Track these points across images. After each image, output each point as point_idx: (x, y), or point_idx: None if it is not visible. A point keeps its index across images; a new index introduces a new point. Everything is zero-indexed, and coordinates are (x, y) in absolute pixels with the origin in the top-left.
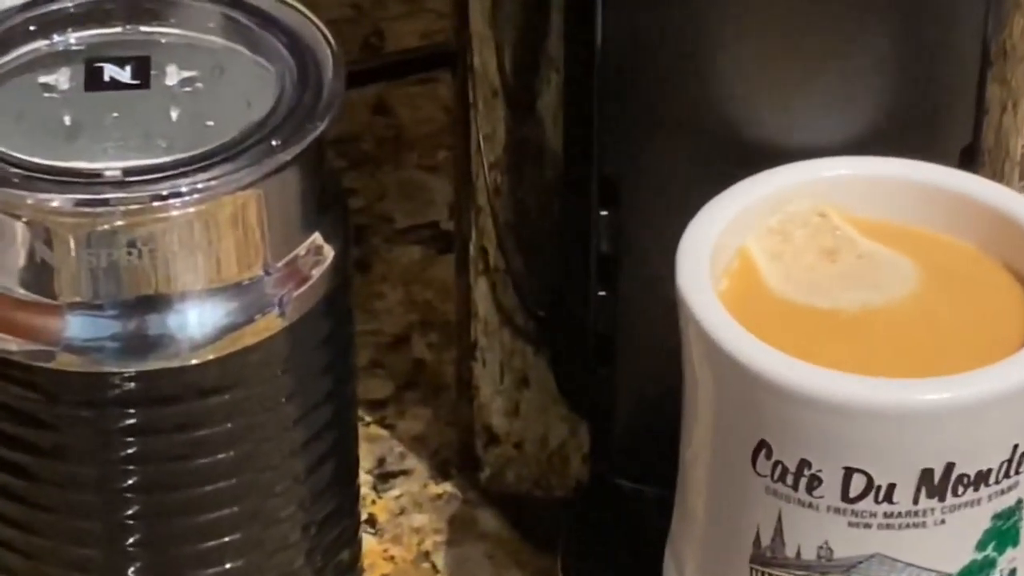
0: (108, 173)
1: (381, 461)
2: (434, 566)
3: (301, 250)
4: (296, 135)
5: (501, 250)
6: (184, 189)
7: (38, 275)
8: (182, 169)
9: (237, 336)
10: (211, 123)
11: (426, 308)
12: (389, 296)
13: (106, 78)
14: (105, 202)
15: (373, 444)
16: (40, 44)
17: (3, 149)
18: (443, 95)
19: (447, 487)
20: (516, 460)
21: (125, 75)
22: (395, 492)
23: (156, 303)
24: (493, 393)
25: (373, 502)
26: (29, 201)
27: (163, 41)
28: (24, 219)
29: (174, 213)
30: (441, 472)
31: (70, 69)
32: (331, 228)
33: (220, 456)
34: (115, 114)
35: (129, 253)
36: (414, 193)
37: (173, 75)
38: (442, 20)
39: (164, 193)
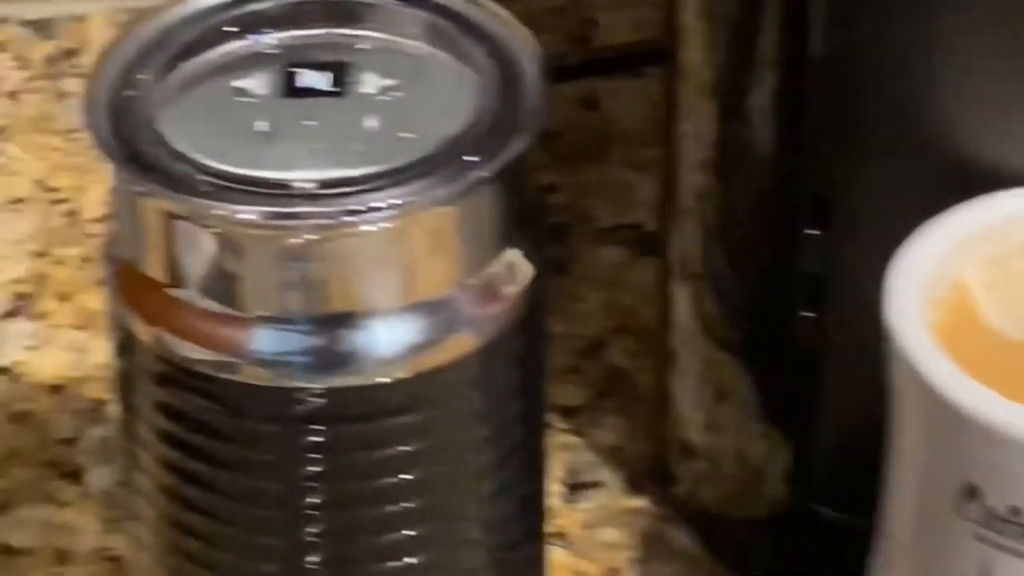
0: (300, 185)
1: (573, 471)
2: None
3: (497, 267)
4: (496, 151)
5: (705, 256)
6: (378, 205)
7: (225, 286)
8: (376, 183)
9: (428, 355)
10: (408, 135)
11: (625, 313)
12: (588, 299)
13: (302, 84)
14: (296, 215)
15: (566, 453)
16: (236, 45)
17: (194, 155)
18: (653, 90)
19: (640, 502)
20: (711, 477)
21: (322, 82)
22: (587, 505)
23: (346, 319)
24: (690, 406)
25: (564, 514)
26: (218, 212)
27: (362, 46)
28: (213, 229)
29: (367, 228)
30: (634, 486)
31: (266, 74)
32: (529, 245)
33: (406, 476)
34: (309, 122)
35: (319, 267)
36: (618, 192)
37: (371, 83)
38: (655, 11)
39: (357, 208)
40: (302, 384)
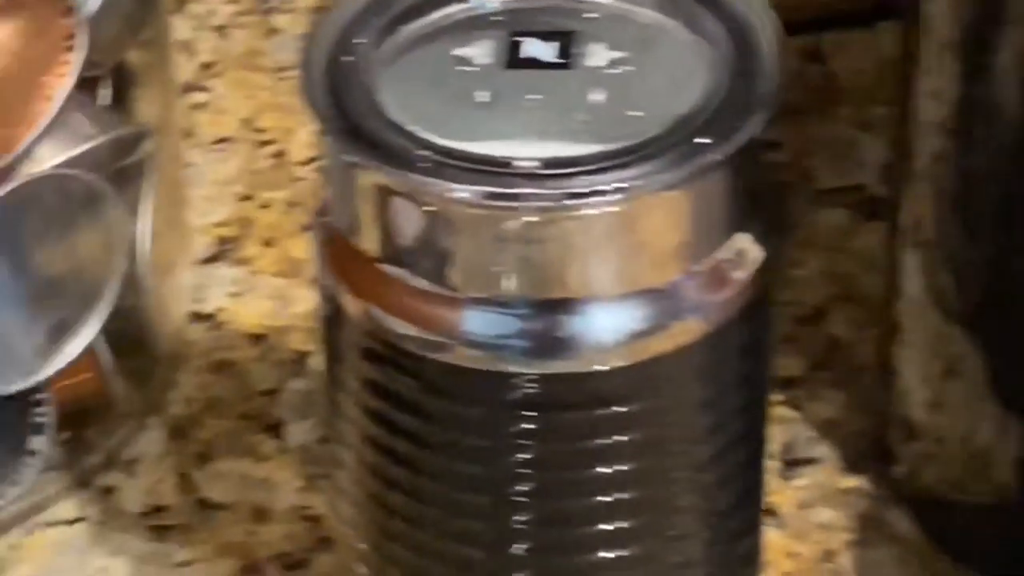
0: (522, 164)
1: (789, 447)
2: (838, 570)
3: (726, 253)
4: (730, 132)
5: (937, 223)
6: (603, 188)
7: (440, 265)
8: (602, 164)
9: (649, 343)
10: (636, 112)
11: (847, 280)
12: (808, 264)
13: (526, 54)
14: (518, 197)
15: (781, 426)
16: (458, 10)
17: (412, 128)
18: (884, 45)
19: (857, 481)
20: (935, 458)
21: (547, 52)
22: (802, 482)
23: (565, 304)
24: (915, 381)
25: (778, 491)
26: (434, 189)
27: (590, 14)
28: (430, 207)
29: (590, 212)
30: (852, 464)
31: (488, 42)
32: (760, 228)
33: (621, 467)
34: (533, 96)
35: (539, 250)
36: (843, 151)
37: (598, 54)
38: None
39: (581, 191)
40: (516, 369)
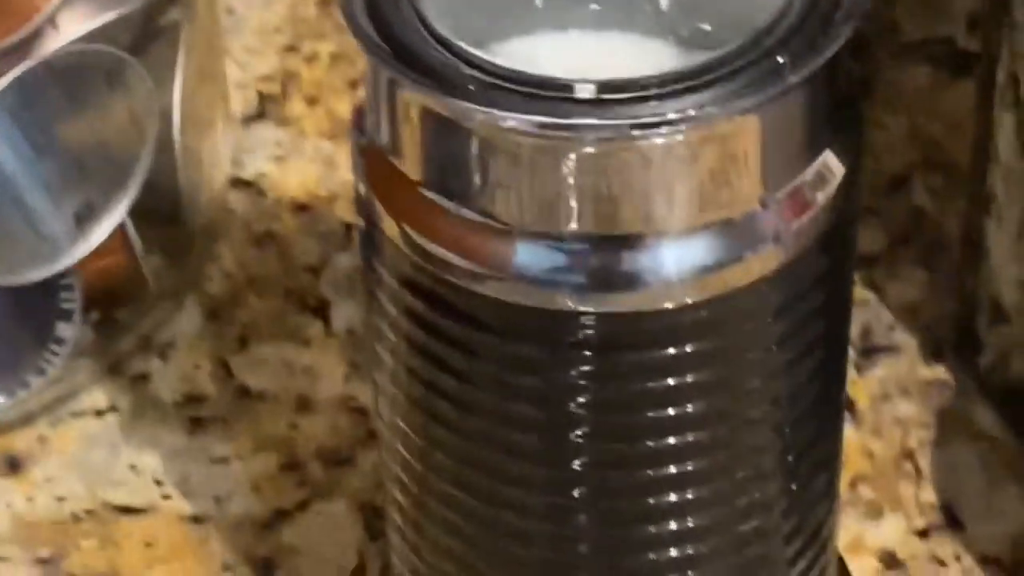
0: (581, 88)
1: (866, 332)
2: (917, 468)
3: (806, 176)
4: (811, 48)
5: None
6: (670, 117)
7: (490, 195)
8: (669, 88)
9: (721, 277)
10: (705, 25)
11: (932, 145)
12: (889, 127)
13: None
14: (575, 127)
15: (857, 310)
16: None
17: (460, 44)
18: None
19: (939, 372)
20: None
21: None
22: (879, 372)
23: (627, 239)
24: (1007, 259)
25: (854, 383)
26: (482, 117)
27: None
28: (479, 134)
29: (656, 142)
30: (933, 352)
31: None
32: (842, 142)
33: (689, 408)
34: (593, 5)
35: (599, 183)
36: (929, 0)
37: None
38: None
39: (645, 121)
40: (574, 307)
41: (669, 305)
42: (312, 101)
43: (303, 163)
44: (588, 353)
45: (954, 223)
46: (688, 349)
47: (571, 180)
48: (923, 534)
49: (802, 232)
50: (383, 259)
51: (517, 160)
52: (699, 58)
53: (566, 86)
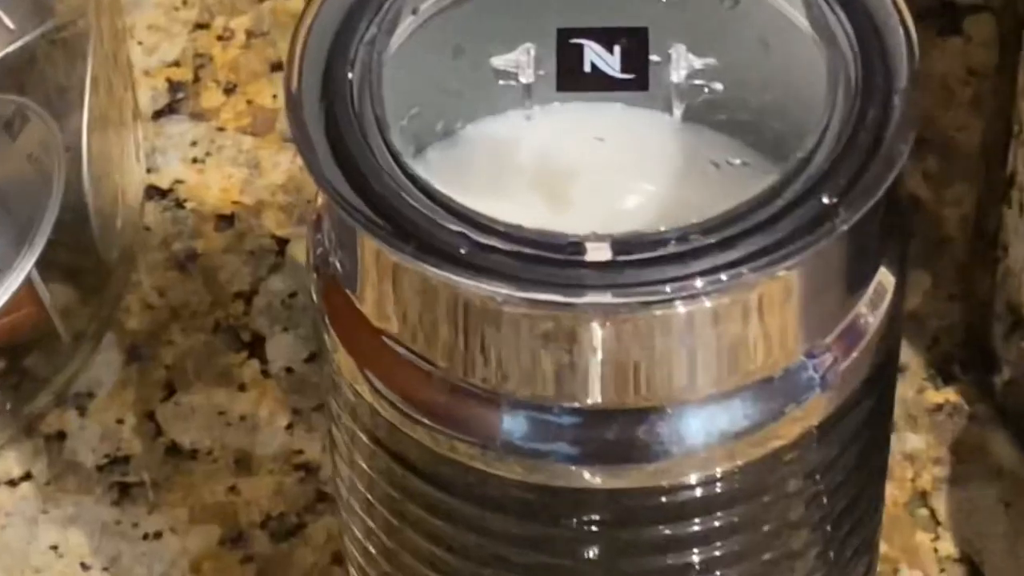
0: (591, 249)
1: None
2: (933, 515)
3: (858, 308)
4: (858, 187)
5: None
6: (698, 284)
7: (477, 360)
8: (695, 243)
9: (758, 439)
10: (736, 159)
11: (929, 120)
12: None
13: (586, 66)
14: (583, 302)
15: None
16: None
17: (440, 191)
18: None
19: (949, 394)
20: None
21: (612, 61)
22: None
23: (640, 412)
24: None
25: None
26: (476, 291)
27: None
28: (469, 303)
29: (680, 310)
30: (941, 371)
31: (532, 47)
32: (893, 250)
33: (717, 551)
34: (597, 136)
35: (610, 353)
36: None
37: (680, 63)
38: None
39: (667, 293)
40: (569, 484)
41: (694, 478)
42: (229, 89)
43: (223, 165)
44: (596, 530)
45: (956, 214)
46: (717, 523)
47: (578, 351)
48: None
49: (854, 366)
50: (339, 394)
51: (515, 330)
52: (730, 199)
53: (574, 246)
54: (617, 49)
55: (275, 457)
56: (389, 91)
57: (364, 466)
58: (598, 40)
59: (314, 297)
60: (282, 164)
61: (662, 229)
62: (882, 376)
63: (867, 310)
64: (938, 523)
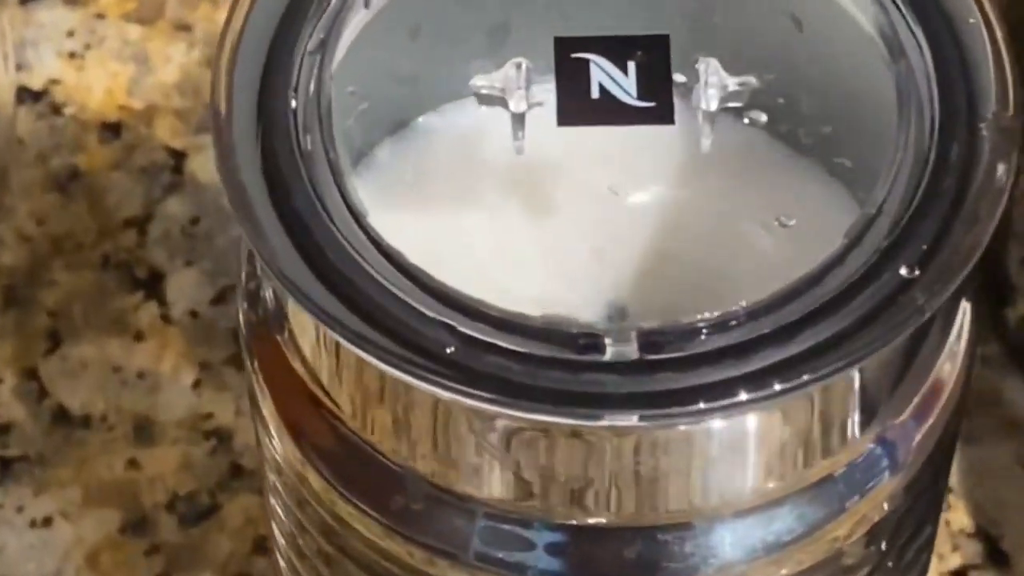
0: (612, 348)
1: None
2: None
3: (930, 381)
4: (944, 252)
5: None
6: (745, 397)
7: (457, 466)
8: (742, 337)
9: (808, 546)
10: (786, 218)
11: None
12: None
13: (594, 88)
14: (601, 415)
15: None
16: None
17: (417, 269)
18: None
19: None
20: None
21: (626, 84)
22: None
23: (662, 528)
24: None
25: None
26: (468, 404)
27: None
28: (456, 414)
29: (720, 423)
30: None
31: (524, 61)
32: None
33: None
34: (607, 184)
35: (620, 469)
36: None
37: (713, 83)
38: None
39: (709, 406)
40: None
41: None
42: None
43: (106, 61)
44: None
45: None
46: None
47: (589, 466)
48: None
49: (929, 433)
50: (275, 469)
51: (508, 442)
52: (781, 280)
53: (590, 340)
54: (632, 67)
55: (180, 423)
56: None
57: (308, 554)
58: (607, 53)
59: (242, 337)
60: (175, 58)
61: (701, 316)
62: (955, 426)
63: (946, 367)
64: (948, 490)
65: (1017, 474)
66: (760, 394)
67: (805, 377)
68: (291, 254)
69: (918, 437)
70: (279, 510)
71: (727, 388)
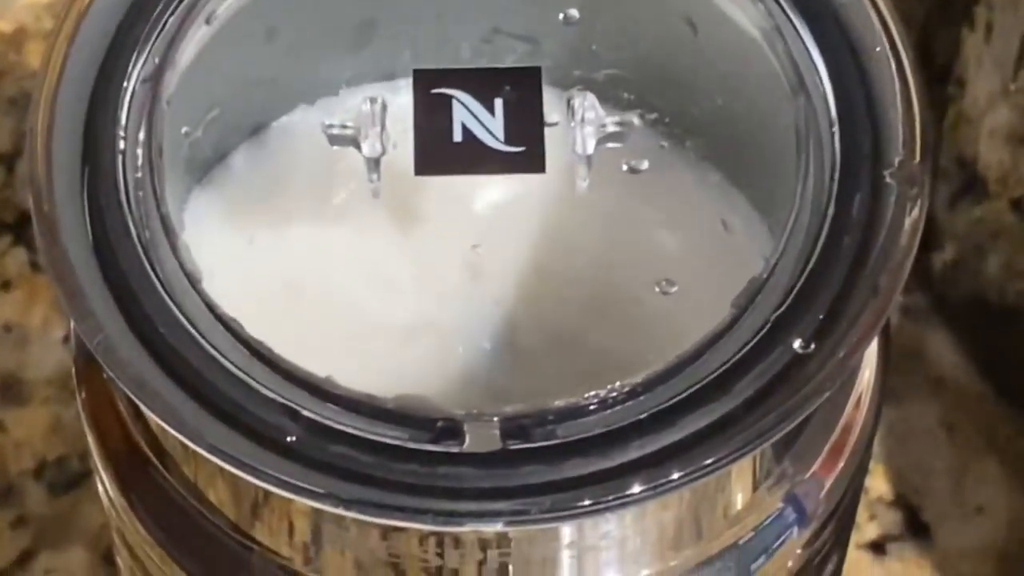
0: (471, 435)
1: None
2: None
3: (839, 429)
4: (841, 323)
5: None
6: (631, 493)
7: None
8: (620, 422)
9: None
10: (668, 284)
11: None
12: None
13: (456, 129)
14: (462, 519)
15: None
16: None
17: (258, 344)
18: None
19: None
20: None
21: (493, 126)
22: None
23: None
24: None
25: None
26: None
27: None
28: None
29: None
30: None
31: (379, 98)
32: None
33: None
34: (473, 242)
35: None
36: None
37: (591, 122)
38: None
39: (584, 505)
40: None
41: None
42: None
43: None
44: None
45: None
46: None
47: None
48: (878, 549)
49: (839, 479)
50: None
51: (362, 538)
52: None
53: (449, 429)
54: (499, 105)
55: (50, 381)
56: (180, 98)
57: None
58: (472, 88)
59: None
60: None
61: (570, 399)
62: (866, 462)
63: (854, 411)
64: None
65: (941, 438)
66: (621, 496)
67: (675, 475)
68: (118, 325)
69: (827, 486)
70: (120, 556)
71: (606, 483)
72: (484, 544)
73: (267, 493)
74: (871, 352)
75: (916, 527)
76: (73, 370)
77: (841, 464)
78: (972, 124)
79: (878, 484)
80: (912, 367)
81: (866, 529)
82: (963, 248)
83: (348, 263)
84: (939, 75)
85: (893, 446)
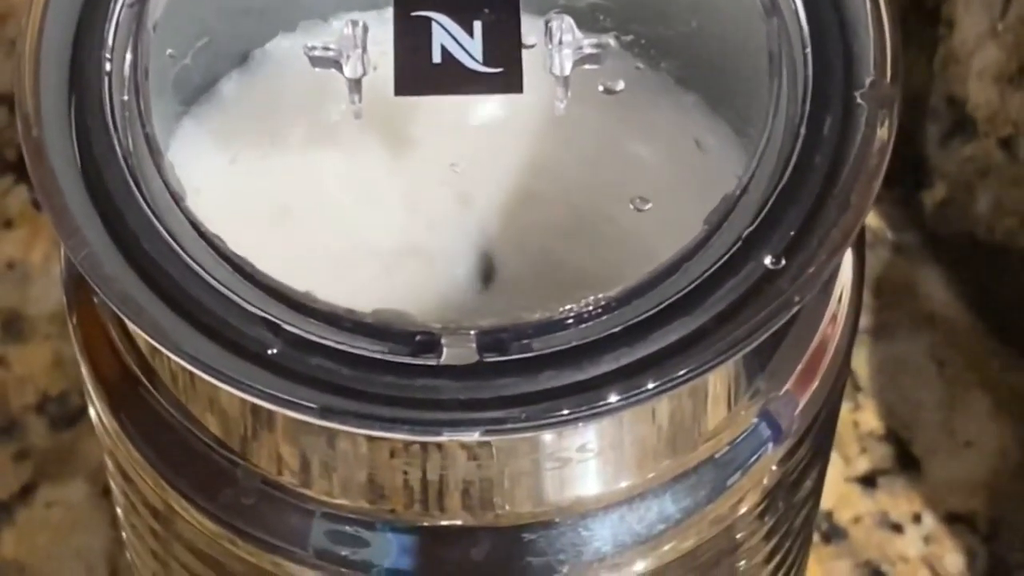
0: (448, 349)
1: None
2: (852, 377)
3: (814, 345)
4: (812, 240)
5: None
6: (606, 403)
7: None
8: (594, 335)
9: (684, 530)
10: (643, 200)
11: None
12: None
13: (435, 51)
14: (440, 429)
15: None
16: None
17: (241, 259)
18: None
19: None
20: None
21: (471, 47)
22: None
23: (519, 528)
24: (981, 37)
25: None
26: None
27: None
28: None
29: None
30: None
31: (360, 20)
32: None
33: None
34: (453, 161)
35: (464, 472)
36: None
37: (564, 45)
38: None
39: (561, 415)
40: None
41: None
42: None
43: None
44: None
45: None
46: None
47: (428, 470)
48: (868, 482)
49: (814, 398)
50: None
51: (343, 445)
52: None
53: (426, 343)
54: (478, 27)
55: (52, 318)
56: (166, 24)
57: (149, 542)
58: (451, 11)
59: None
60: None
61: (545, 313)
62: (842, 383)
63: (828, 328)
64: (858, 388)
65: (931, 372)
66: (596, 406)
67: (650, 385)
68: (104, 242)
69: (802, 404)
70: (114, 482)
71: (582, 394)
72: (463, 456)
73: (252, 409)
74: (845, 272)
75: (906, 460)
76: (63, 296)
77: (816, 383)
78: (961, 64)
79: (869, 418)
80: (903, 304)
81: (857, 462)
82: (953, 186)
83: (338, 187)
84: (929, 16)
85: (884, 381)
